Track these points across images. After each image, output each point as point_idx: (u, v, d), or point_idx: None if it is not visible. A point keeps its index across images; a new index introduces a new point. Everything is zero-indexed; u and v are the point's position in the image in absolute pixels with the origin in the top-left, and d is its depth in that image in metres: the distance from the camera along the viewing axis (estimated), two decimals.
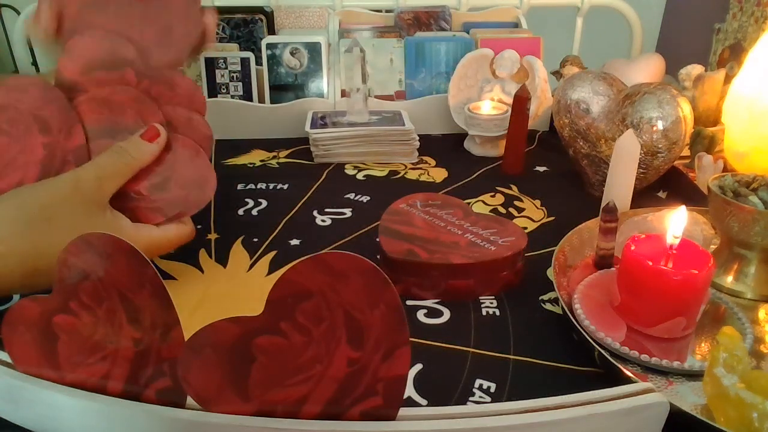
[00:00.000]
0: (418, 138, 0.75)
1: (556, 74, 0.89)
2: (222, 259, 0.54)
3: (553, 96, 0.71)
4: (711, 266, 0.39)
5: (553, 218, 0.62)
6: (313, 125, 0.75)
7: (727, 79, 0.72)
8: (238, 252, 0.55)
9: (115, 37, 0.48)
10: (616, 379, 0.37)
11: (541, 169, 0.75)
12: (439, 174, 0.73)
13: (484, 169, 0.74)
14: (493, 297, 0.49)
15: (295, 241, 0.57)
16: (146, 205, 0.46)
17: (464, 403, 0.38)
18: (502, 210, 0.64)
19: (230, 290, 0.50)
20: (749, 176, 0.49)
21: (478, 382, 0.40)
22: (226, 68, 0.82)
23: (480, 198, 0.66)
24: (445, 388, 0.39)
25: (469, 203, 0.61)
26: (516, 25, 0.94)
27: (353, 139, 0.74)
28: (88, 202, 0.42)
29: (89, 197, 0.42)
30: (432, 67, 0.85)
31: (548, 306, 0.48)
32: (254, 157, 0.77)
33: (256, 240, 0.57)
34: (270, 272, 0.52)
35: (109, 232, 0.42)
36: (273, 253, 0.55)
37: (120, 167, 0.44)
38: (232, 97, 0.83)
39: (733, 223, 0.46)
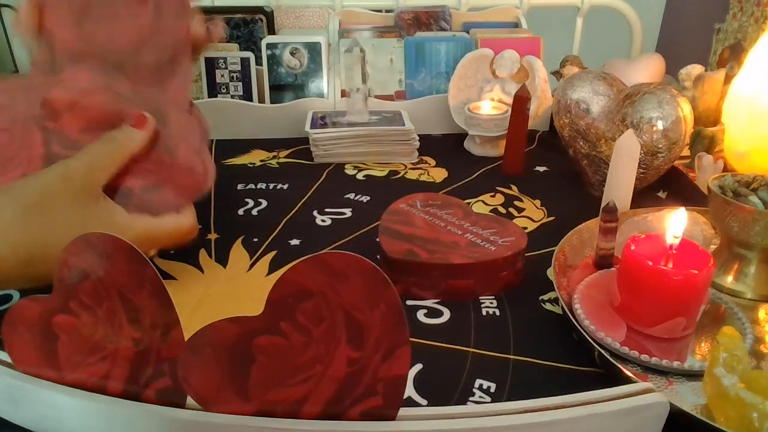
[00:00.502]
0: (418, 138, 0.75)
1: (556, 74, 0.89)
2: (222, 259, 0.54)
3: (553, 96, 0.71)
4: (711, 266, 0.39)
5: (553, 218, 0.62)
6: (313, 125, 0.75)
7: (727, 79, 0.72)
8: (238, 252, 0.55)
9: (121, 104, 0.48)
10: (616, 379, 0.37)
11: (541, 169, 0.75)
12: (439, 174, 0.73)
13: (484, 169, 0.74)
14: (493, 297, 0.49)
15: (295, 241, 0.57)
16: (135, 204, 0.45)
17: (464, 403, 0.38)
18: (502, 210, 0.64)
19: (230, 290, 0.50)
20: (749, 176, 0.49)
21: (478, 382, 0.40)
22: (226, 68, 0.82)
23: (480, 198, 0.66)
24: (445, 388, 0.39)
25: (469, 203, 0.61)
26: (516, 25, 0.94)
27: (353, 139, 0.74)
28: (79, 191, 0.42)
29: (80, 186, 0.42)
30: (432, 67, 0.85)
31: (548, 306, 0.48)
32: (254, 157, 0.77)
33: (256, 240, 0.57)
34: (270, 272, 0.52)
35: (102, 220, 0.42)
36: (273, 253, 0.55)
37: (110, 156, 0.44)
38: (232, 97, 0.83)
39: (733, 223, 0.46)
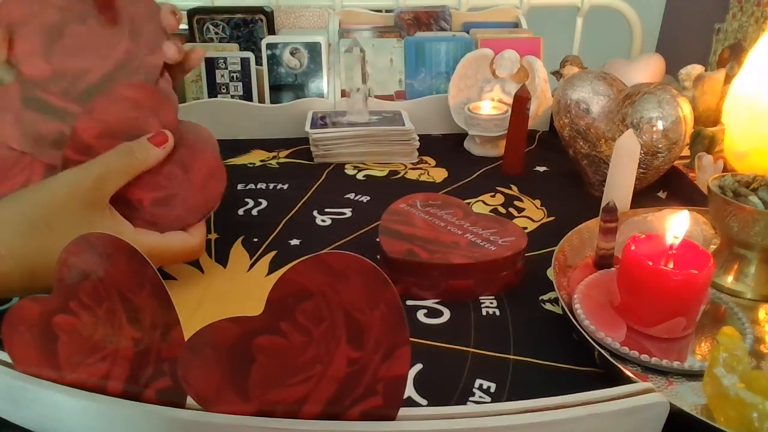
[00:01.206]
0: (418, 138, 0.75)
1: (556, 74, 0.89)
2: (222, 259, 0.54)
3: (553, 96, 0.71)
4: (711, 266, 0.39)
5: (553, 218, 0.62)
6: (313, 125, 0.75)
7: (727, 79, 0.72)
8: (238, 252, 0.55)
9: (140, 111, 0.47)
10: (616, 379, 0.37)
11: (541, 169, 0.75)
12: (439, 174, 0.73)
13: (484, 169, 0.74)
14: (493, 297, 0.49)
15: (295, 241, 0.57)
16: (143, 217, 0.44)
17: (464, 403, 0.38)
18: (502, 210, 0.64)
19: (230, 290, 0.50)
20: (749, 176, 0.49)
21: (478, 382, 0.40)
22: (226, 68, 0.82)
23: (480, 198, 0.66)
24: (445, 388, 0.39)
25: (469, 203, 0.61)
26: (516, 25, 0.94)
27: (353, 139, 0.74)
28: (87, 203, 0.41)
29: (88, 197, 0.41)
30: (432, 67, 0.85)
31: (548, 306, 0.48)
32: (254, 157, 0.77)
33: (256, 240, 0.57)
34: (270, 272, 0.52)
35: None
36: (273, 253, 0.55)
37: (123, 167, 0.43)
38: (232, 97, 0.83)
39: (733, 223, 0.46)
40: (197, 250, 0.47)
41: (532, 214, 0.63)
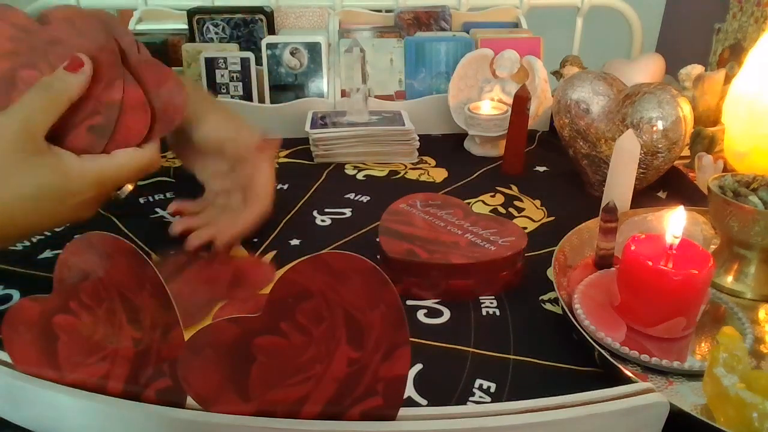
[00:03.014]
0: (418, 138, 0.75)
1: (556, 74, 0.89)
2: None
3: (553, 96, 0.71)
4: (711, 266, 0.39)
5: (553, 218, 0.62)
6: (313, 125, 0.75)
7: (727, 79, 0.72)
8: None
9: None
10: (616, 379, 0.37)
11: (541, 169, 0.75)
12: (439, 174, 0.73)
13: (484, 169, 0.74)
14: (493, 297, 0.49)
15: (295, 241, 0.57)
16: (83, 144, 0.43)
17: (464, 403, 0.38)
18: (502, 210, 0.64)
19: None
20: (749, 176, 0.49)
21: (478, 382, 0.40)
22: (226, 68, 0.82)
23: (480, 198, 0.66)
24: (445, 388, 0.39)
25: (469, 203, 0.61)
26: (516, 25, 0.94)
27: (353, 139, 0.74)
28: (20, 147, 0.40)
29: (19, 141, 0.40)
30: (432, 67, 0.85)
31: (548, 306, 0.48)
32: None
33: (256, 240, 0.57)
34: None
35: (53, 170, 0.41)
36: (273, 253, 0.55)
37: (45, 104, 0.42)
38: (232, 97, 0.83)
39: (733, 223, 0.46)
40: (151, 163, 0.46)
41: (532, 214, 0.63)
